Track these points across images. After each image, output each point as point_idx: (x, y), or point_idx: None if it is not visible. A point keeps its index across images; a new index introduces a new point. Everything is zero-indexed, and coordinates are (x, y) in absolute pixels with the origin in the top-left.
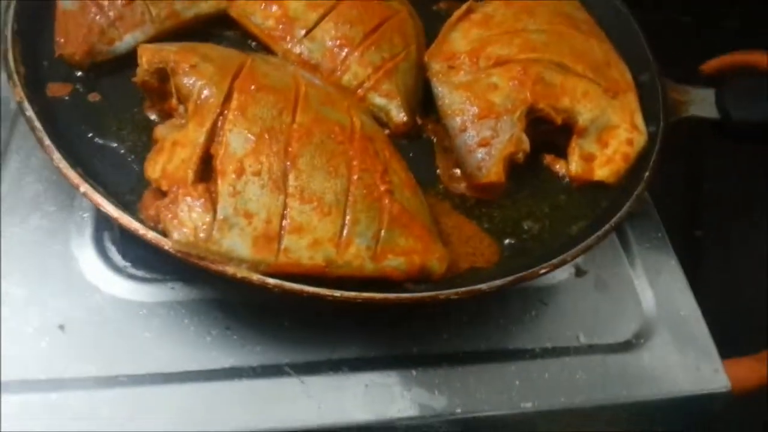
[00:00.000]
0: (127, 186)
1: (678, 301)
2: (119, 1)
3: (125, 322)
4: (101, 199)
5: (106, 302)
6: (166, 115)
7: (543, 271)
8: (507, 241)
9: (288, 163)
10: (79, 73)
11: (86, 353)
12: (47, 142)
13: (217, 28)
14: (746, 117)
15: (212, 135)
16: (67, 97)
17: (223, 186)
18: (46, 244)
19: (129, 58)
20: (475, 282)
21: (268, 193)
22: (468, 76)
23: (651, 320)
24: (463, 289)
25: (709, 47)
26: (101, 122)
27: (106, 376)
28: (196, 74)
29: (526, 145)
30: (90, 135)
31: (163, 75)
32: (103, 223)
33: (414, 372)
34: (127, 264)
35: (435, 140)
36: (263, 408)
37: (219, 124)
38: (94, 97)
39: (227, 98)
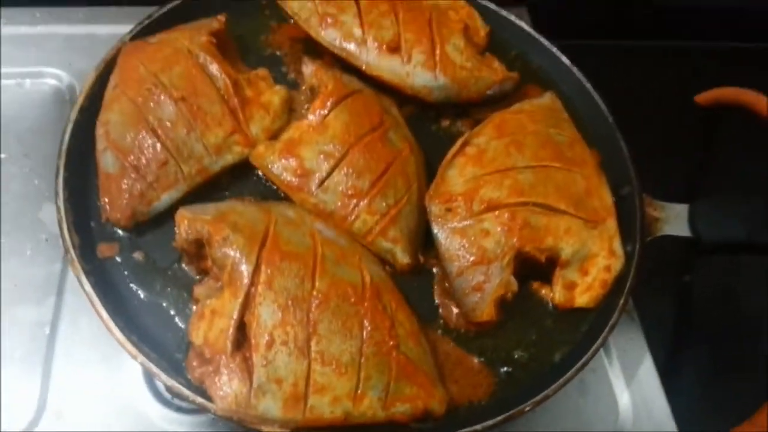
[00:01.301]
0: (174, 343)
1: (651, 402)
2: (154, 164)
3: None
4: (156, 369)
5: None
6: (203, 271)
7: (527, 409)
8: (502, 369)
9: (310, 330)
10: (123, 233)
11: None
12: (105, 315)
13: (243, 170)
14: (716, 238)
15: (245, 305)
16: (116, 257)
17: (257, 358)
18: (104, 384)
19: (167, 214)
20: (472, 419)
21: (295, 360)
22: (464, 222)
23: (625, 421)
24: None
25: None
26: (147, 280)
27: None
28: (228, 246)
29: (514, 286)
30: (138, 293)
31: (199, 242)
32: None
33: None
34: (174, 398)
35: (436, 275)
36: None
37: (251, 294)
38: (138, 255)
39: (256, 269)
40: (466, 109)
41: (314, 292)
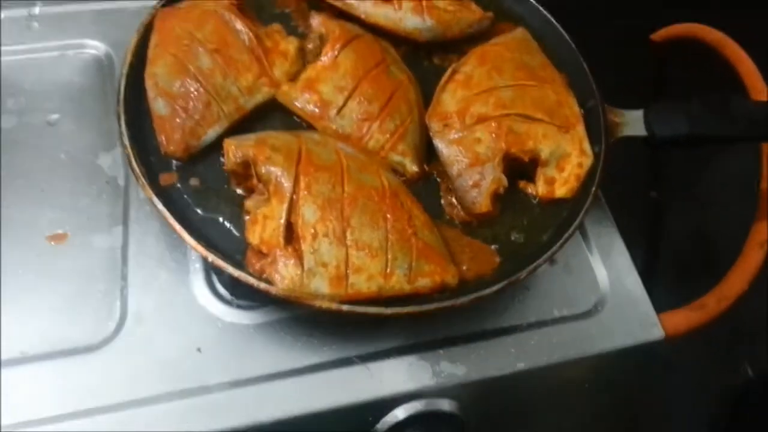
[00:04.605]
0: (233, 248)
1: (624, 277)
2: (200, 105)
3: (240, 340)
4: (224, 264)
5: (225, 327)
6: (249, 189)
7: (523, 275)
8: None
9: (345, 224)
10: (178, 164)
11: (220, 365)
12: (178, 227)
13: (271, 109)
14: (667, 134)
15: (290, 209)
16: (177, 184)
17: (305, 247)
18: (174, 291)
19: (214, 146)
20: (481, 288)
21: (335, 248)
22: (459, 134)
23: (605, 293)
24: (472, 296)
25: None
26: (204, 201)
27: (236, 379)
28: (271, 164)
29: (504, 182)
30: (198, 211)
31: (245, 164)
32: (211, 271)
33: (441, 351)
34: (233, 298)
35: (440, 180)
36: (341, 388)
37: (294, 200)
38: (194, 181)
39: (296, 180)
40: (451, 46)
41: (344, 195)
